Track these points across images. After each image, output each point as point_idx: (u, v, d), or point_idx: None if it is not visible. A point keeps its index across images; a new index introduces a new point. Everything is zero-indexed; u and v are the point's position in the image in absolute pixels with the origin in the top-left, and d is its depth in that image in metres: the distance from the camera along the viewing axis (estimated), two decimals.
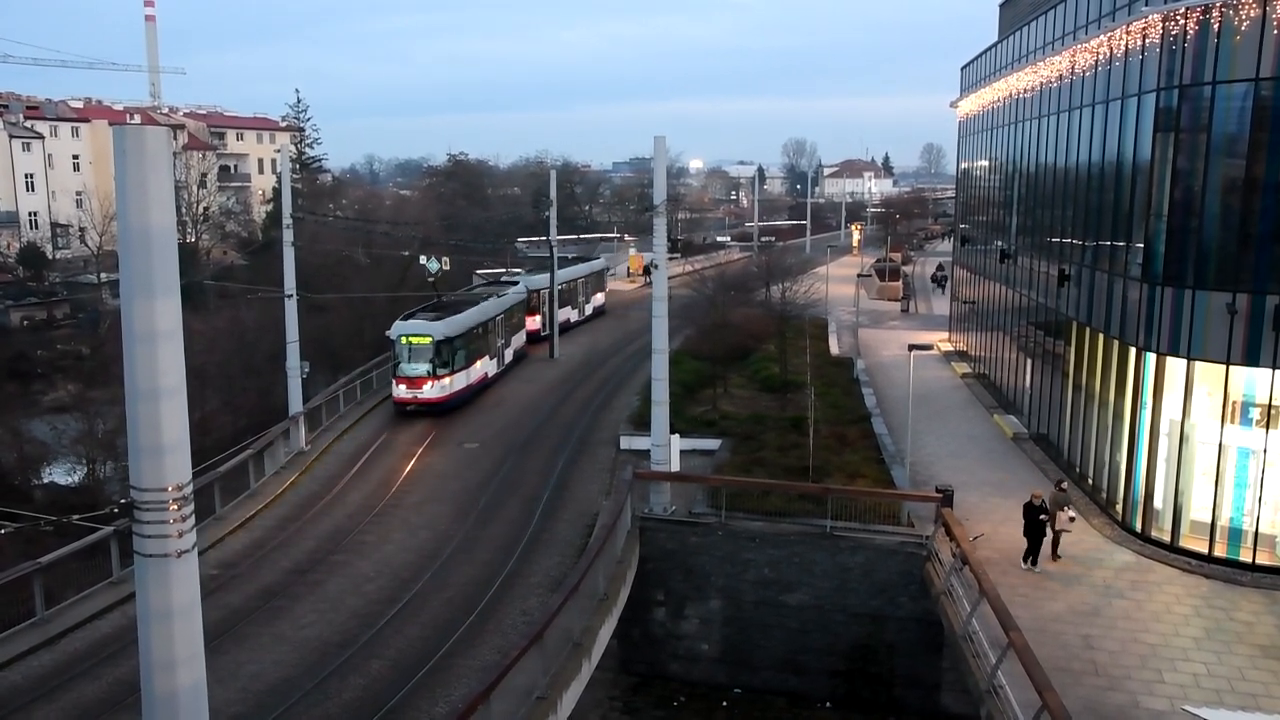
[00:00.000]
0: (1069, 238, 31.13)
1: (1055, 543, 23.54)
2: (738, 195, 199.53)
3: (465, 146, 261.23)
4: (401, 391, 40.72)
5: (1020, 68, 37.11)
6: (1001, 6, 47.37)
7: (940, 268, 78.30)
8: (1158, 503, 24.85)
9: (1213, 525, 23.76)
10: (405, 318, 43.03)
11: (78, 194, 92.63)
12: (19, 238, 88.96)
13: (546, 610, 19.11)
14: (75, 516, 17.40)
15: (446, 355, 40.84)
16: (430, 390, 40.40)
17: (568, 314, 60.17)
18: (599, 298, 68.94)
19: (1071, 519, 23.63)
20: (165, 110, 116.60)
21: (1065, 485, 24.99)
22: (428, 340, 40.53)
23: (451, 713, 16.04)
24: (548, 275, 56.30)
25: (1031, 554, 23.12)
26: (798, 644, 25.52)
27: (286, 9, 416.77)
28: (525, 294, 54.56)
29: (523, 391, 45.99)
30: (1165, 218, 23.91)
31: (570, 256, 70.16)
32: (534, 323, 56.52)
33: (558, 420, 40.96)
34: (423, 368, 40.50)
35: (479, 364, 44.40)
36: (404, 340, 40.81)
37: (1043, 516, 22.95)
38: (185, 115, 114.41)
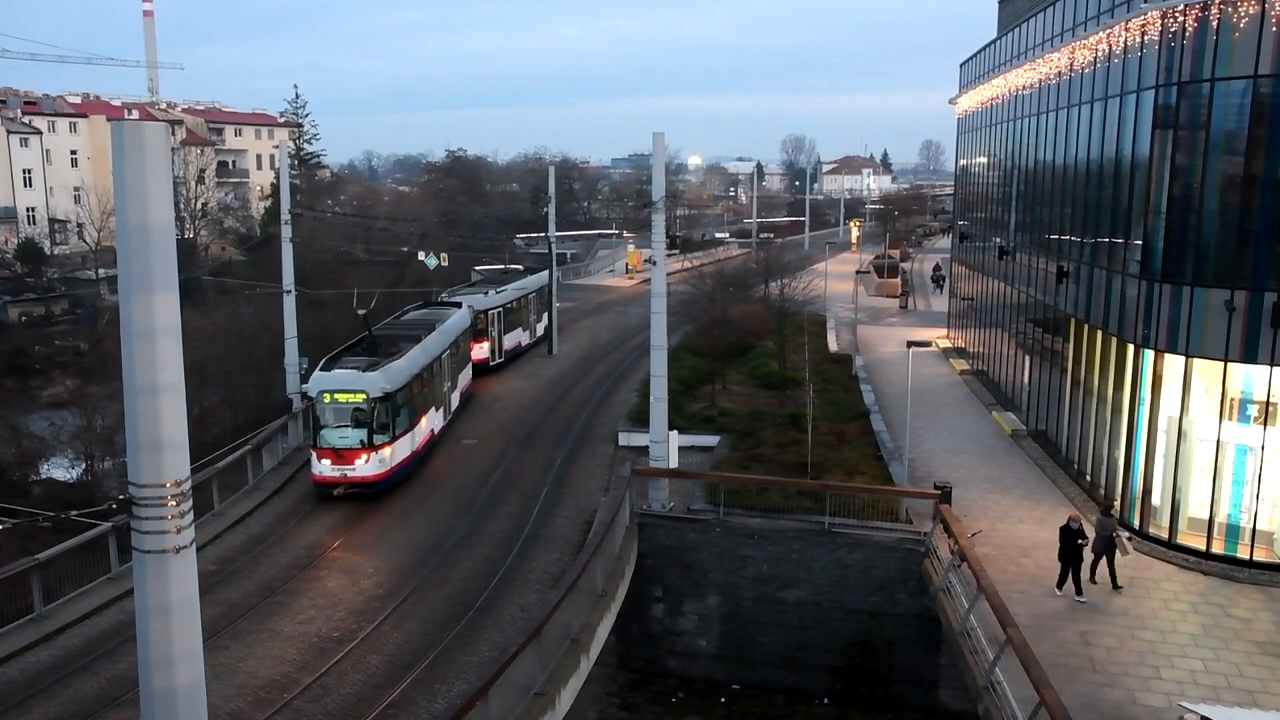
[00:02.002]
0: (1068, 234, 31.14)
1: (1112, 571, 22.02)
2: (736, 192, 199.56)
3: (464, 142, 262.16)
4: (325, 469, 30.14)
5: (1019, 64, 37.11)
6: (1001, 3, 47.35)
7: (938, 267, 78.27)
8: (1155, 499, 24.88)
9: (1210, 522, 23.79)
10: (327, 364, 32.35)
11: (76, 190, 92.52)
12: (17, 233, 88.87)
13: (545, 606, 19.12)
14: (73, 512, 17.34)
15: (386, 416, 30.60)
16: (366, 466, 30.08)
17: (517, 337, 52.03)
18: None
19: (1129, 538, 22.37)
20: (163, 105, 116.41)
21: (1114, 510, 23.81)
22: (361, 398, 30.25)
23: (450, 709, 16.04)
24: (495, 290, 50.03)
25: (1068, 580, 21.65)
26: (796, 640, 25.55)
27: (285, 4, 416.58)
28: (470, 318, 44.67)
29: (522, 387, 45.96)
30: (1164, 214, 23.92)
31: (521, 267, 62.67)
32: (481, 351, 46.88)
33: (557, 416, 40.95)
34: (355, 436, 30.15)
35: (424, 421, 34.18)
36: (328, 399, 30.39)
37: (1080, 541, 21.41)
38: (183, 110, 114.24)
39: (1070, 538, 21.50)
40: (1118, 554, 22.06)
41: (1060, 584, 21.84)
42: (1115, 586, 21.99)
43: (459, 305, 44.57)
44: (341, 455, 30.08)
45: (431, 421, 35.28)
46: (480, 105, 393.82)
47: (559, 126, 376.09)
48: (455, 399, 39.95)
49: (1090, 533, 22.33)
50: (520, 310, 52.54)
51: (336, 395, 30.46)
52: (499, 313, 48.91)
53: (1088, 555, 21.97)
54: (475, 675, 18.90)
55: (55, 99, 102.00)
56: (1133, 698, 17.84)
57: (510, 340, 50.68)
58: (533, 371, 49.46)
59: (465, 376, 42.46)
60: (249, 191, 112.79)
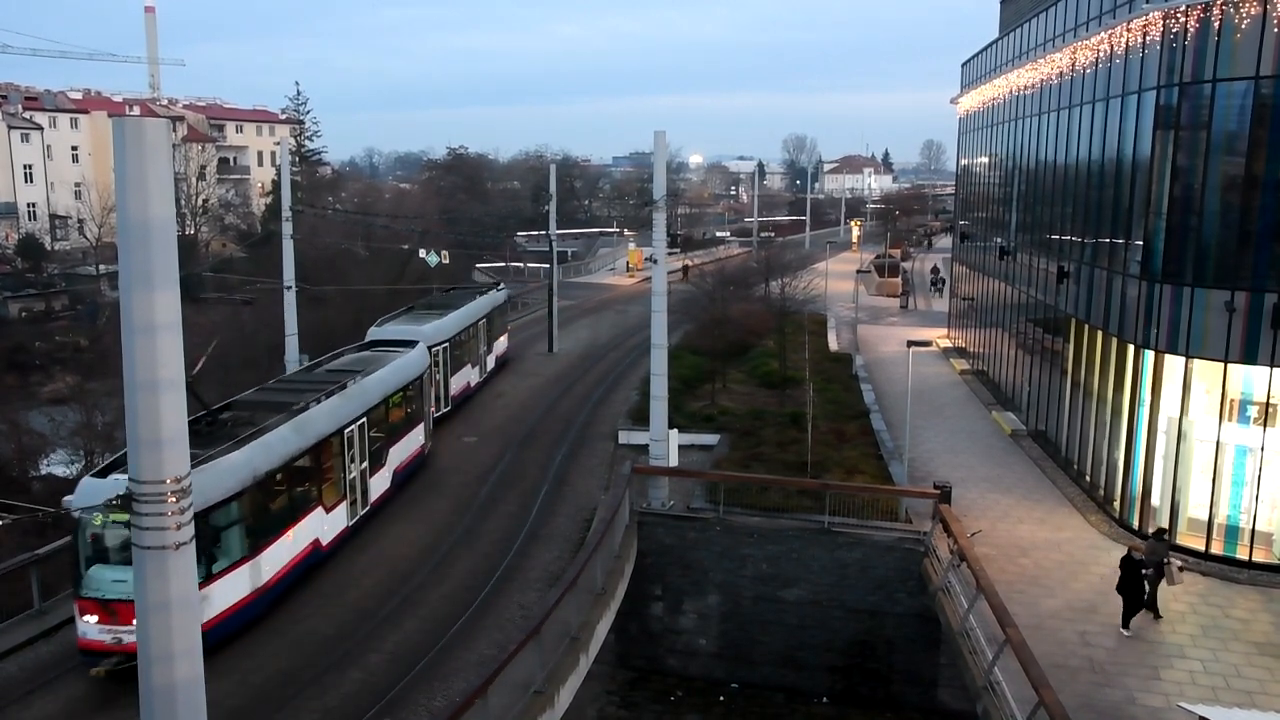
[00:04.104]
0: (1068, 234, 31.15)
1: (1154, 599, 20.79)
2: (737, 190, 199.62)
3: (465, 140, 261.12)
4: (90, 629, 19.19)
5: (1021, 64, 37.10)
6: (1002, 3, 47.34)
7: (936, 269, 78.20)
8: (1155, 500, 24.90)
9: (1210, 522, 23.81)
10: (111, 465, 20.85)
11: (76, 185, 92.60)
12: (17, 229, 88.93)
13: (544, 605, 19.12)
14: (74, 509, 17.39)
15: (201, 545, 16.87)
16: None
17: (466, 377, 42.00)
18: (502, 342, 49.42)
19: (1181, 568, 20.91)
20: (164, 102, 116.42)
21: (1165, 534, 22.43)
22: None
23: (449, 706, 16.03)
24: (450, 317, 40.66)
25: (1130, 614, 20.27)
26: (795, 639, 25.56)
27: (286, 1, 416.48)
28: (425, 361, 33.90)
29: (521, 385, 45.95)
30: (1164, 215, 23.93)
31: (465, 286, 53.91)
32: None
33: (556, 414, 40.93)
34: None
35: (290, 538, 23.25)
36: (99, 520, 19.36)
37: (1145, 571, 20.24)
38: (184, 107, 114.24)
39: (1133, 569, 20.17)
40: (1163, 582, 20.77)
41: (1125, 622, 20.29)
42: (1155, 616, 20.80)
43: (413, 344, 34.39)
44: (113, 611, 18.92)
45: (312, 530, 24.42)
46: (481, 103, 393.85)
47: (560, 124, 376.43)
48: (381, 483, 29.03)
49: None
50: (470, 342, 42.81)
51: (113, 515, 18.65)
52: (445, 349, 38.73)
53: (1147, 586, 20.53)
54: (475, 673, 18.89)
55: (56, 95, 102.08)
56: (1131, 698, 17.85)
57: (459, 382, 40.77)
58: (532, 370, 49.44)
59: (409, 444, 31.48)
60: (250, 188, 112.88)
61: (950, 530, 22.50)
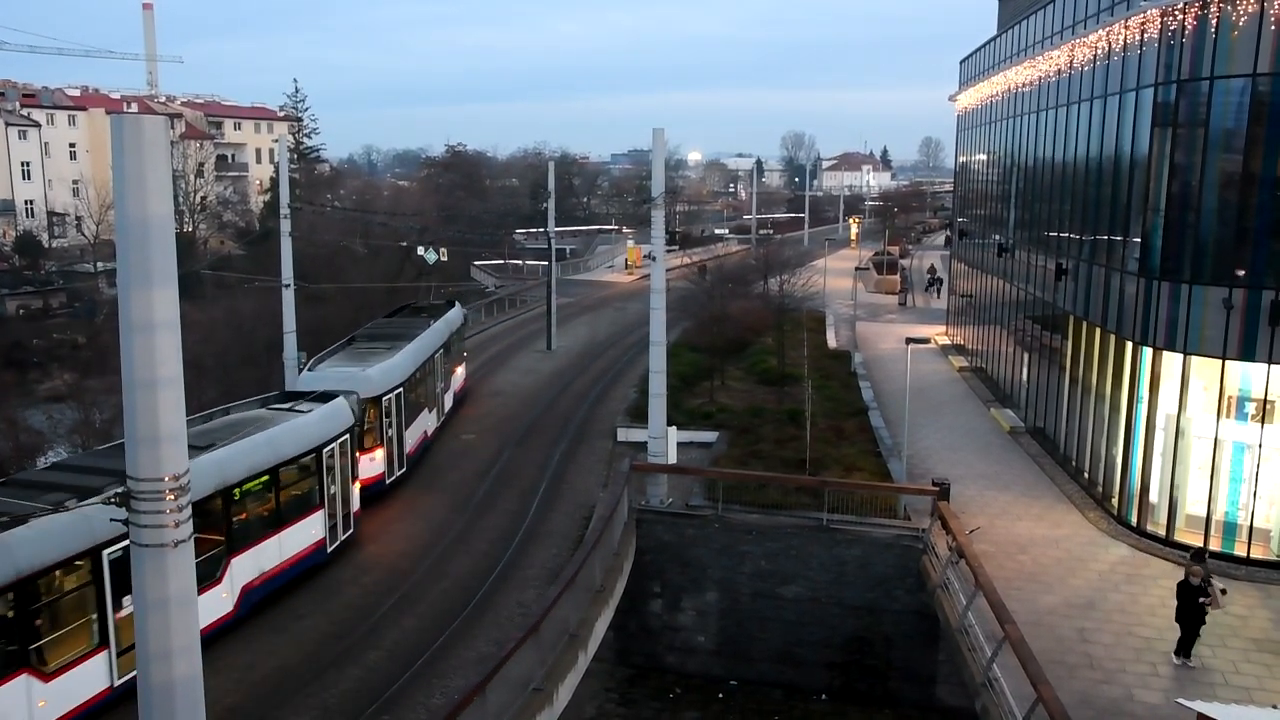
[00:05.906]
0: (1066, 232, 31.16)
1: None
2: (736, 188, 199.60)
3: (463, 137, 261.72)
4: None
5: (1019, 62, 37.09)
6: (1001, 0, 47.33)
7: (933, 269, 78.05)
8: (1153, 496, 24.91)
9: (1208, 519, 23.82)
10: None
11: (74, 183, 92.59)
12: (15, 226, 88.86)
13: (543, 602, 19.13)
14: (73, 506, 17.41)
15: None
16: None
17: (423, 424, 34.25)
18: (459, 375, 41.95)
19: (1223, 591, 19.27)
20: (163, 99, 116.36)
21: (1206, 555, 20.78)
22: None
23: (448, 704, 16.05)
24: (403, 353, 32.70)
25: (1187, 644, 18.93)
26: (794, 636, 25.57)
27: None
28: (335, 425, 25.80)
29: (519, 383, 45.96)
30: (1162, 212, 23.94)
31: (416, 305, 44.58)
32: (371, 464, 29.22)
33: (555, 411, 40.95)
34: None
35: None
36: None
37: (1202, 599, 18.63)
38: (183, 104, 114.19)
39: (1190, 595, 18.70)
40: (1217, 606, 19.28)
41: (1179, 651, 18.95)
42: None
43: (330, 397, 26.73)
44: None
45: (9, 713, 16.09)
46: (480, 100, 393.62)
47: (559, 122, 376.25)
48: (216, 607, 20.93)
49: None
50: (427, 380, 35.16)
51: None
52: (399, 395, 30.74)
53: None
54: (473, 670, 18.90)
55: (54, 91, 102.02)
56: (1130, 694, 17.88)
57: (415, 431, 32.91)
58: (530, 367, 49.46)
59: (282, 547, 23.55)
60: (248, 186, 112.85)
61: (949, 527, 22.49)
